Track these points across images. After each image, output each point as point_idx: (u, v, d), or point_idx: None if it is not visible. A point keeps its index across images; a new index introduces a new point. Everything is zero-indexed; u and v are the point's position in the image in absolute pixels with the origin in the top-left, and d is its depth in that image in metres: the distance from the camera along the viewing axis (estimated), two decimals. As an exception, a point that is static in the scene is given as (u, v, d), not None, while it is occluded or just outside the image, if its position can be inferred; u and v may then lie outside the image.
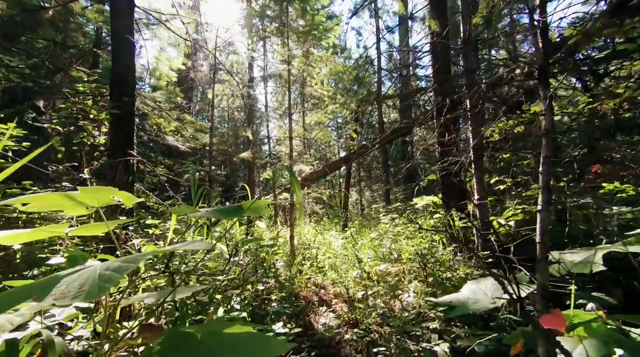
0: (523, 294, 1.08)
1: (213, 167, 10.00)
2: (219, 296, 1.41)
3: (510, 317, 1.76)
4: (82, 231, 0.81)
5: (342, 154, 13.04)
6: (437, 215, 3.95)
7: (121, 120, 2.47)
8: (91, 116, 2.53)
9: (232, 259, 1.84)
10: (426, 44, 3.42)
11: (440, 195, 3.68)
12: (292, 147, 5.40)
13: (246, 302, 1.85)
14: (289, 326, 1.77)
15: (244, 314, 1.38)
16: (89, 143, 2.47)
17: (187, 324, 1.33)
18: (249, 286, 1.91)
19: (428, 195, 4.35)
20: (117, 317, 1.13)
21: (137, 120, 4.92)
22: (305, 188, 8.52)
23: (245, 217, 6.38)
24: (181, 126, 5.28)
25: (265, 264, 3.03)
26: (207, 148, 7.18)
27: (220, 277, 1.54)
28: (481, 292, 1.20)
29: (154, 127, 5.83)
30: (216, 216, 0.89)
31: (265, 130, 13.67)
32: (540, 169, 0.89)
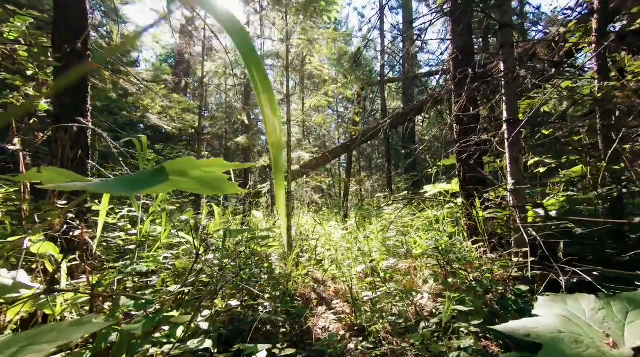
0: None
1: (208, 153, 9.52)
2: (175, 313, 0.98)
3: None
4: None
5: (343, 142, 12.62)
6: (451, 204, 3.51)
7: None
8: (28, 73, 2.01)
9: (203, 257, 1.41)
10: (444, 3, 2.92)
11: (456, 181, 3.23)
12: (290, 132, 4.96)
13: (221, 314, 1.42)
14: (279, 345, 1.34)
15: (209, 343, 0.94)
16: (17, 103, 1.95)
17: None
18: (217, 301, 1.46)
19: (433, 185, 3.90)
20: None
21: (114, 96, 4.43)
22: (304, 176, 8.12)
23: (241, 206, 5.95)
24: (168, 106, 4.80)
25: (255, 259, 2.60)
26: (199, 131, 6.71)
27: (171, 289, 1.11)
28: (580, 322, 0.75)
29: (140, 108, 5.33)
30: (112, 189, 0.43)
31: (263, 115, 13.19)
32: None
